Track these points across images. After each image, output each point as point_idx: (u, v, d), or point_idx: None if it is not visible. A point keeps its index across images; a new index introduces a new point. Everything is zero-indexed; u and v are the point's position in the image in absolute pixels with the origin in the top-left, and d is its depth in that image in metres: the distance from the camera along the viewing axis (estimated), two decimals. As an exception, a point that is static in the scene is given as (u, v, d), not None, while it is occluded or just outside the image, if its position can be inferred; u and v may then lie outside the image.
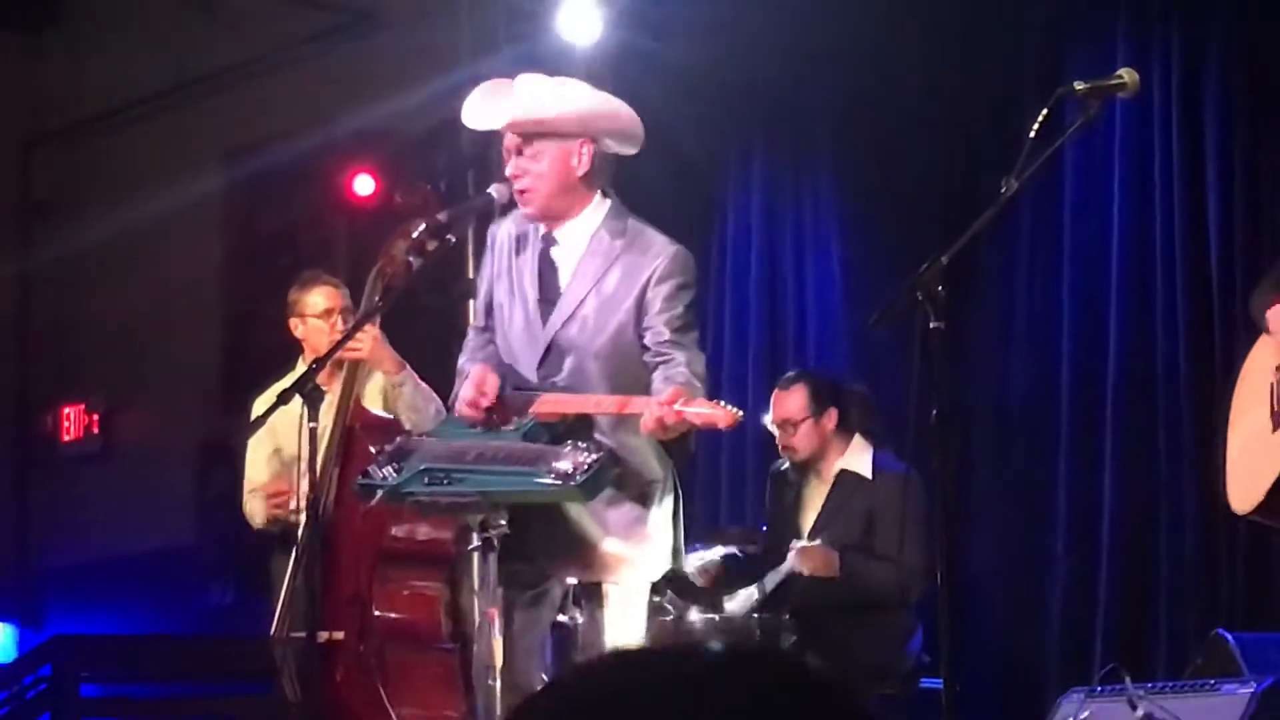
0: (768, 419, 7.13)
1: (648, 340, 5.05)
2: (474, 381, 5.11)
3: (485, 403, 5.07)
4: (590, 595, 5.20)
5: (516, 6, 8.93)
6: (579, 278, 5.15)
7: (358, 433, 6.25)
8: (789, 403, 7.04)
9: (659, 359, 5.03)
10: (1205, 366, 7.16)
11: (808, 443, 6.99)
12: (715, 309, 8.79)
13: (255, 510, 6.77)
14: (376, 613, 6.14)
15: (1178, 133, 7.40)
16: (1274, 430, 4.69)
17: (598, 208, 5.18)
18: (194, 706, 9.62)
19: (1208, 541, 7.07)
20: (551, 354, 5.12)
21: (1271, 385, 4.74)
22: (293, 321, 6.77)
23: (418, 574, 6.18)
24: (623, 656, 1.55)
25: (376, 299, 6.18)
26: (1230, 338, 7.03)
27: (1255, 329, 4.90)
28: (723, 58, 8.58)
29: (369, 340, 6.27)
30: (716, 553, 7.03)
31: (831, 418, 7.01)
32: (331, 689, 6.07)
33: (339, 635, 6.10)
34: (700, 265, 8.50)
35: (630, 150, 5.30)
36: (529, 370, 5.16)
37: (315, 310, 6.70)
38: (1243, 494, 4.81)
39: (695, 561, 6.86)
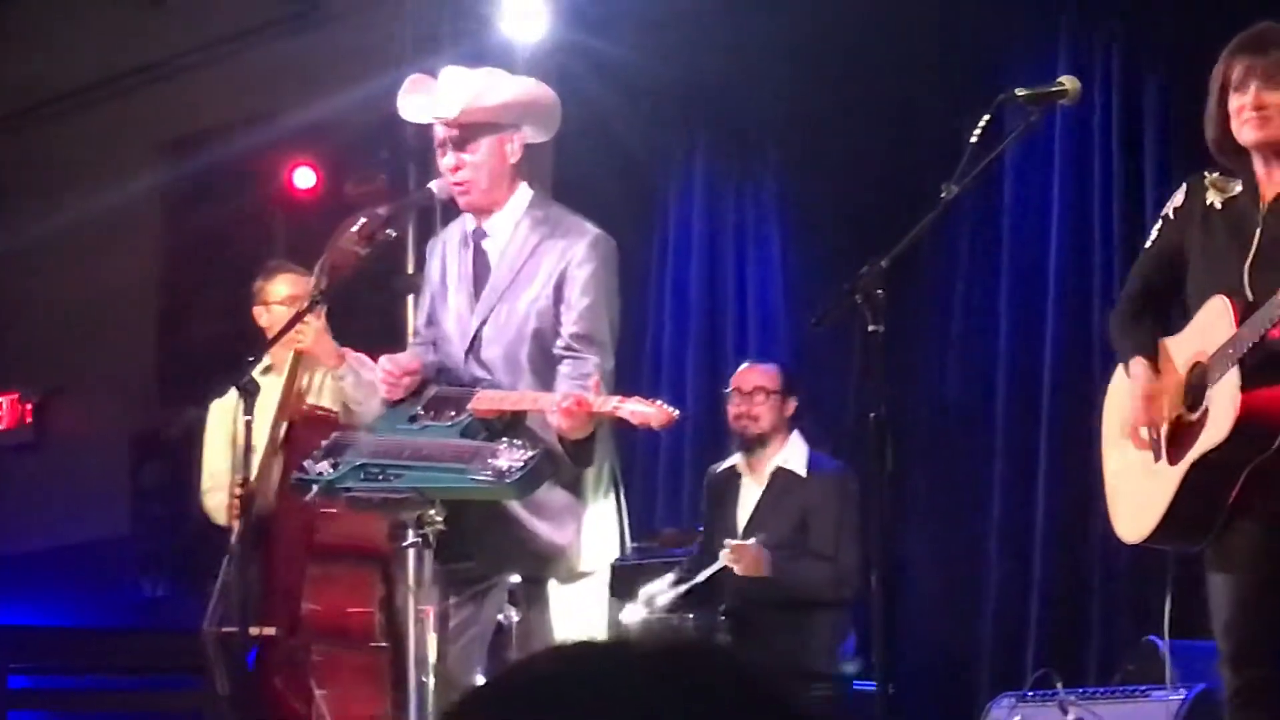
0: (731, 389, 7.14)
1: (561, 329, 5.06)
2: (388, 359, 5.15)
3: (400, 376, 5.09)
4: (529, 594, 5.20)
5: (460, 3, 8.92)
6: (504, 266, 5.18)
7: (298, 426, 6.23)
8: (764, 374, 7.11)
9: (569, 354, 5.04)
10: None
11: (770, 417, 7.04)
12: (655, 307, 8.80)
13: (217, 507, 6.68)
14: (306, 610, 6.13)
15: (1118, 141, 7.45)
16: (1156, 460, 4.71)
17: (522, 196, 5.23)
18: (124, 699, 9.55)
19: (1140, 547, 7.10)
20: (480, 342, 5.14)
21: None
22: (257, 310, 6.75)
23: (349, 572, 6.17)
24: (558, 652, 1.55)
25: (320, 289, 6.16)
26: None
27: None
28: (666, 56, 8.60)
29: (311, 331, 6.24)
30: (665, 582, 7.02)
31: (791, 406, 7.08)
32: (262, 684, 6.05)
33: (270, 630, 6.08)
34: (641, 263, 8.59)
35: (545, 137, 5.39)
36: (461, 362, 5.17)
37: (278, 297, 6.69)
38: (1131, 524, 4.83)
39: (644, 597, 6.88)
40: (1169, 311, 4.77)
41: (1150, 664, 6.19)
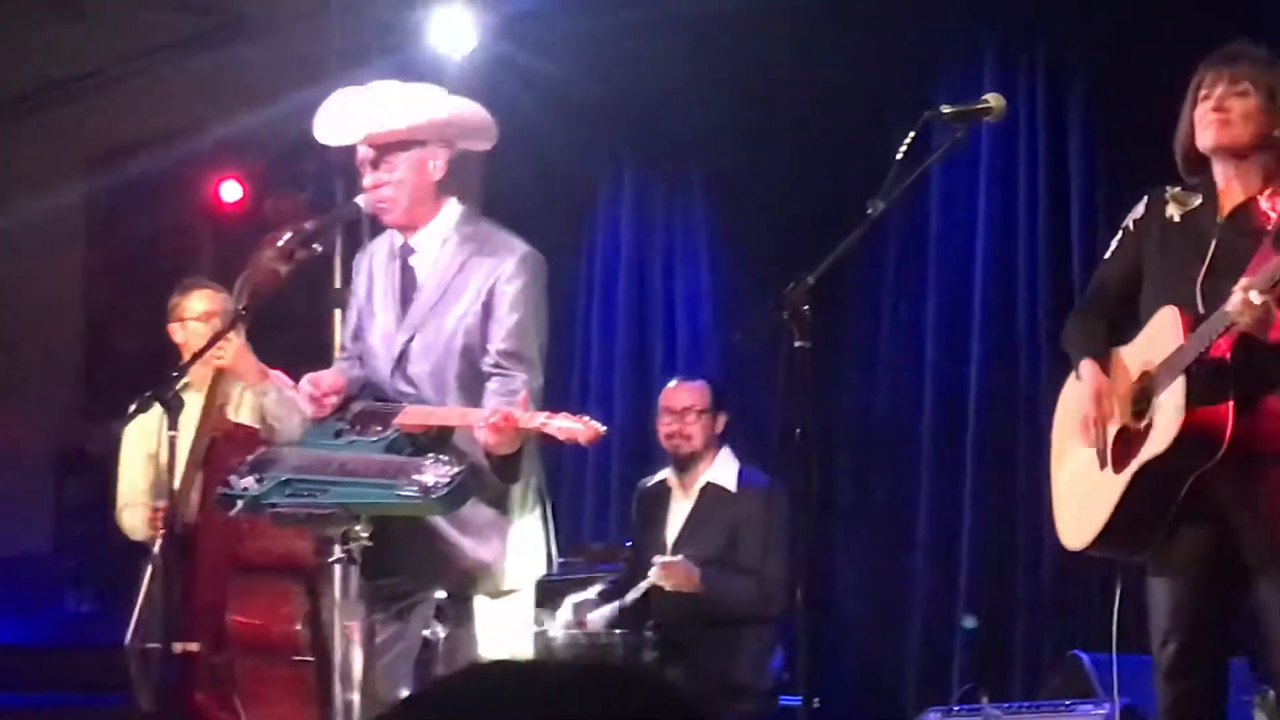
0: (661, 409, 7.14)
1: (489, 347, 5.05)
2: (310, 379, 5.12)
3: (322, 396, 5.08)
4: (455, 610, 5.19)
5: (389, 17, 8.90)
6: (431, 283, 5.16)
7: (220, 443, 6.21)
8: (694, 393, 7.10)
9: (497, 371, 5.03)
10: (1066, 389, 7.25)
11: (702, 436, 7.04)
12: (583, 322, 8.80)
13: (135, 523, 6.66)
14: (231, 622, 6.11)
15: (1043, 158, 7.50)
16: (1102, 468, 4.74)
17: (450, 212, 5.21)
18: (49, 717, 9.49)
19: (1065, 562, 7.14)
20: (407, 358, 5.12)
21: (1095, 421, 4.80)
22: (173, 326, 6.72)
23: (274, 585, 6.16)
24: (479, 669, 1.55)
25: (241, 306, 6.14)
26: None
27: (1069, 362, 4.96)
28: (596, 72, 8.60)
29: (232, 348, 6.23)
30: (593, 592, 7.03)
31: (721, 422, 7.08)
32: (185, 700, 6.02)
33: (194, 647, 6.05)
34: (570, 278, 8.59)
35: (483, 147, 5.38)
36: (387, 377, 5.15)
37: (194, 314, 6.66)
38: (1075, 531, 4.87)
39: (572, 604, 6.88)
40: (1124, 321, 4.80)
41: (1075, 678, 6.22)
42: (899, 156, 4.60)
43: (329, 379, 5.16)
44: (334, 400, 5.12)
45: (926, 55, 7.94)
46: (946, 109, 4.74)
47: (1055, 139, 7.48)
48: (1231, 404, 4.45)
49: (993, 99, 4.77)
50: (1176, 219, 4.73)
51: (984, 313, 7.61)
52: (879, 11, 8.01)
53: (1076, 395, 4.88)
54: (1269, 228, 4.54)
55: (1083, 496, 4.82)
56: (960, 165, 7.59)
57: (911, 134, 4.61)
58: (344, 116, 5.15)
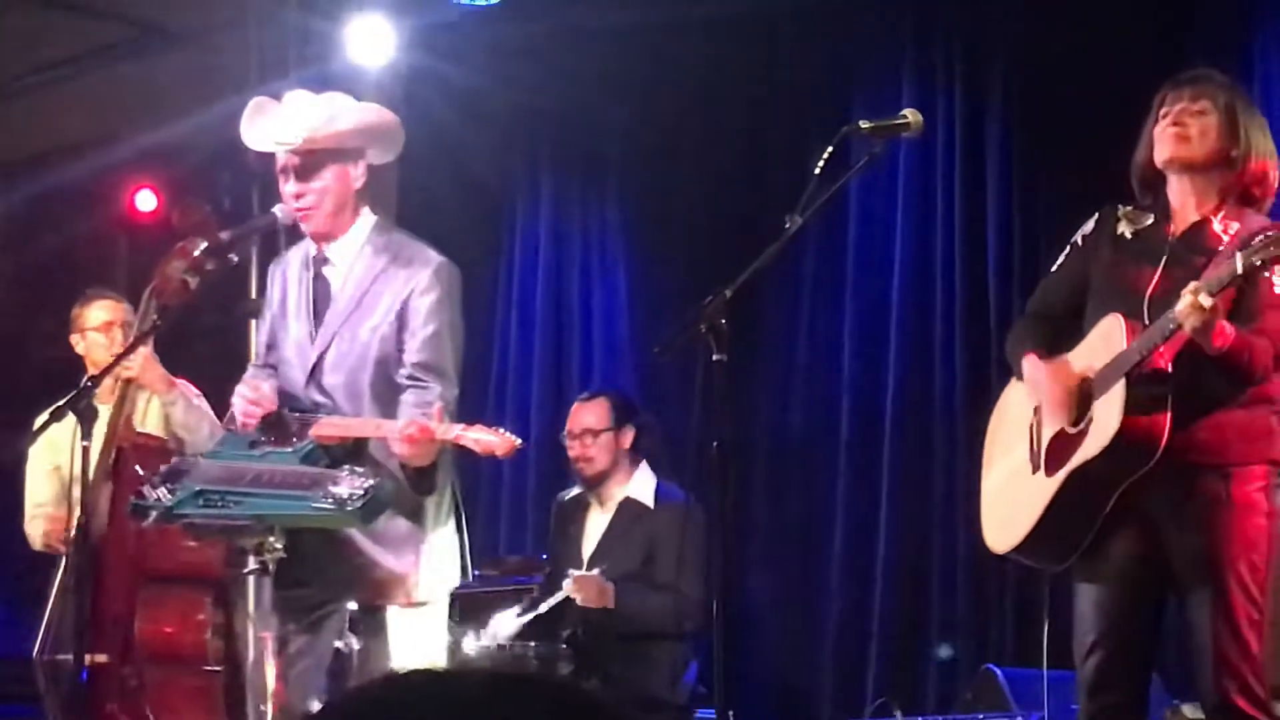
0: (565, 432, 7.11)
1: (405, 359, 5.04)
2: (248, 387, 5.09)
3: (265, 405, 5.05)
4: (368, 621, 5.17)
5: (307, 28, 8.86)
6: (345, 294, 5.14)
7: (127, 453, 6.18)
8: (592, 413, 7.06)
9: (412, 383, 5.02)
10: (981, 405, 7.23)
11: (605, 455, 7.01)
12: (500, 334, 8.79)
13: (34, 533, 6.64)
14: (138, 632, 6.08)
15: (960, 174, 7.54)
16: (1034, 471, 4.75)
17: (365, 222, 5.20)
18: (-44, 730, 9.38)
19: (979, 577, 7.18)
20: (321, 369, 5.10)
21: (1030, 426, 4.81)
22: (74, 337, 6.70)
23: (183, 595, 6.13)
24: (393, 679, 1.55)
25: (152, 318, 6.11)
26: (1006, 378, 7.16)
27: (1009, 369, 4.97)
28: (513, 82, 8.59)
29: (140, 359, 6.20)
30: (511, 610, 7.00)
31: (628, 436, 7.04)
32: (94, 711, 5.98)
33: (102, 658, 6.01)
34: (486, 289, 8.58)
35: (389, 158, 5.38)
36: (301, 388, 5.13)
37: (94, 324, 6.65)
38: (1001, 533, 4.86)
39: (494, 626, 6.87)
40: (1067, 334, 4.80)
41: (989, 692, 6.24)
42: (817, 171, 4.61)
43: (269, 393, 5.10)
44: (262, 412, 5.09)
45: (845, 69, 7.97)
46: (865, 124, 4.76)
47: (972, 154, 7.53)
48: (1169, 415, 4.46)
49: (910, 114, 4.78)
50: (1128, 235, 4.75)
51: (900, 327, 7.64)
52: (797, 25, 8.04)
53: (1016, 398, 4.89)
54: (1220, 248, 4.56)
55: (1012, 500, 4.81)
56: (878, 180, 7.63)
57: (829, 149, 4.62)
58: (279, 120, 5.13)
